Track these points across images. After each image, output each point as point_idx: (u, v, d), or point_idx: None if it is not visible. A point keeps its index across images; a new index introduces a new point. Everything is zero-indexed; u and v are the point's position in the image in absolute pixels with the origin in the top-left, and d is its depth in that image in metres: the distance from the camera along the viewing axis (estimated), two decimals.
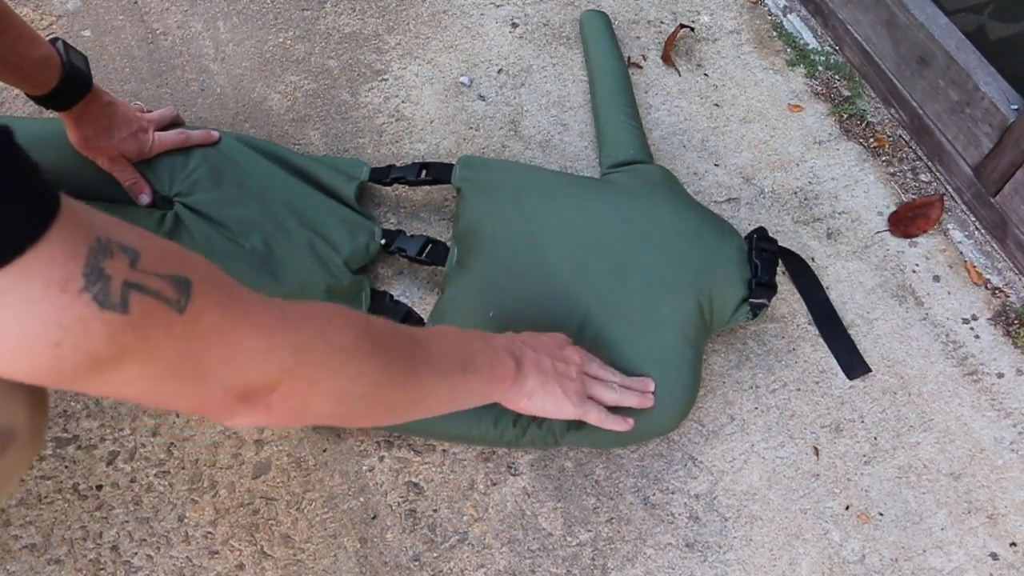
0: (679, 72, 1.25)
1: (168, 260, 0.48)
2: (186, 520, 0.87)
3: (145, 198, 0.96)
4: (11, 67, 0.81)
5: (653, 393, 0.86)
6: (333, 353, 0.58)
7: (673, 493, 0.92)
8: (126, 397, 0.50)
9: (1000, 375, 1.02)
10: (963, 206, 1.15)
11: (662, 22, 1.30)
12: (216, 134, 1.02)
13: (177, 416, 0.92)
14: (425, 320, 0.97)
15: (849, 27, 1.25)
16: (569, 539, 0.89)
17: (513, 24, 1.28)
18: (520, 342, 0.79)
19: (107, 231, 0.45)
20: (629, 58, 1.25)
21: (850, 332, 1.03)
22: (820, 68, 1.27)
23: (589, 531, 0.90)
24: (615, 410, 0.84)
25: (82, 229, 0.44)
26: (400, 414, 0.68)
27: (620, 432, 0.87)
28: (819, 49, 1.29)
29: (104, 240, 0.44)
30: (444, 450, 0.93)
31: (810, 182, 1.16)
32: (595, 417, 0.82)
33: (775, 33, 1.31)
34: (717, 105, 1.22)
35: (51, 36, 0.88)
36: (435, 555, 0.87)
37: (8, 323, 0.42)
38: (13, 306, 0.41)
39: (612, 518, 0.91)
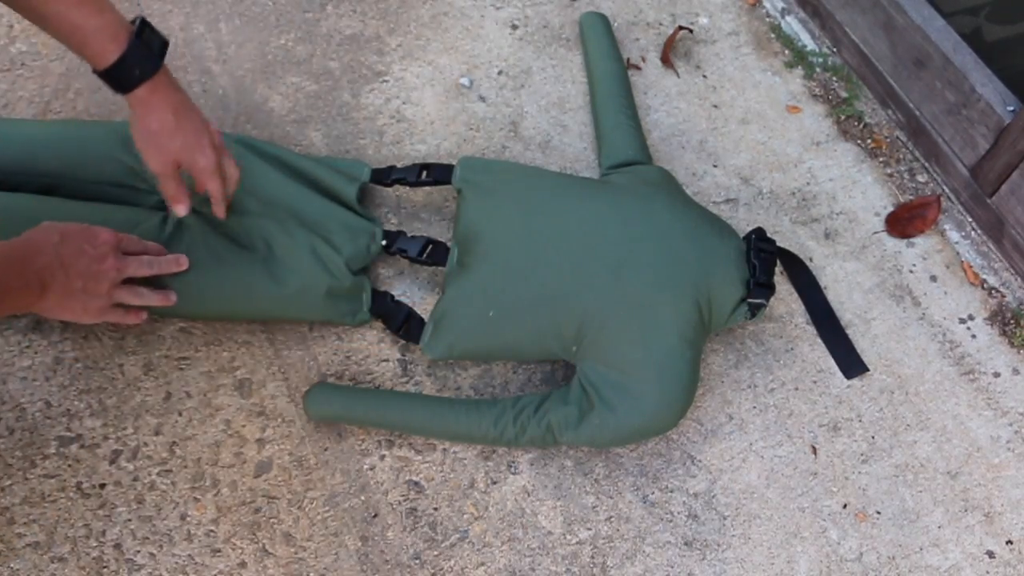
0: (678, 73, 1.26)
1: None
2: (188, 518, 0.87)
3: (183, 209, 0.90)
4: (63, 32, 0.76)
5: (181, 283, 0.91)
6: None
7: (672, 492, 0.93)
8: None
9: (996, 374, 1.03)
10: (960, 207, 1.15)
11: (661, 24, 1.31)
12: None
13: (180, 415, 0.93)
14: (425, 320, 0.98)
15: (847, 29, 1.25)
16: (569, 537, 0.90)
17: (513, 26, 1.28)
18: (57, 266, 0.80)
19: None
20: (628, 60, 1.26)
21: (848, 332, 1.04)
22: (818, 70, 1.28)
23: (589, 529, 0.90)
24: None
25: None
26: None
27: (619, 431, 0.88)
28: (817, 51, 1.30)
29: None
30: (444, 449, 0.93)
31: (808, 183, 1.17)
32: (115, 317, 0.88)
33: (773, 35, 1.32)
34: (716, 106, 1.23)
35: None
36: (436, 553, 0.88)
37: None
38: None
39: (611, 516, 0.91)
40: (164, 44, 0.82)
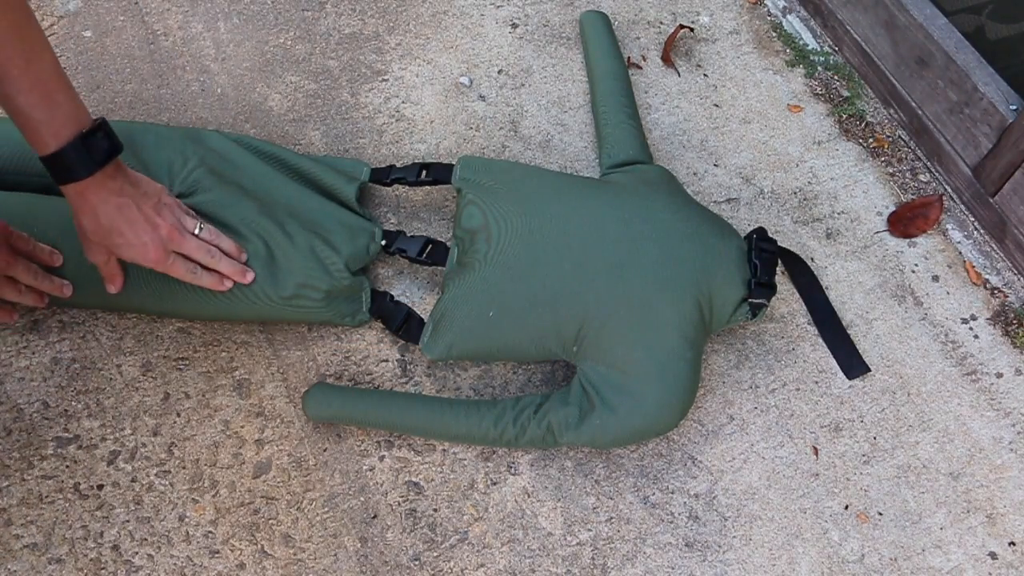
0: (679, 72, 1.25)
1: None
2: (187, 519, 0.87)
3: (112, 288, 0.90)
4: (9, 112, 0.74)
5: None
6: None
7: (673, 493, 0.93)
8: None
9: (999, 375, 1.02)
10: (962, 206, 1.15)
11: (662, 22, 1.31)
12: None
13: (178, 416, 0.92)
14: (425, 320, 0.97)
15: (848, 27, 1.25)
16: (569, 539, 0.89)
17: (513, 24, 1.28)
18: None
19: None
20: (629, 58, 1.25)
21: (849, 332, 1.04)
22: (819, 68, 1.27)
23: (589, 531, 0.90)
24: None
25: None
26: None
27: (620, 432, 0.88)
28: (818, 49, 1.29)
29: None
30: (444, 450, 0.93)
31: (809, 182, 1.16)
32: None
33: (774, 34, 1.31)
34: (717, 105, 1.23)
35: (61, 46, 0.83)
36: (435, 555, 0.88)
37: None
38: None
39: (612, 517, 0.91)
40: (114, 150, 0.79)
